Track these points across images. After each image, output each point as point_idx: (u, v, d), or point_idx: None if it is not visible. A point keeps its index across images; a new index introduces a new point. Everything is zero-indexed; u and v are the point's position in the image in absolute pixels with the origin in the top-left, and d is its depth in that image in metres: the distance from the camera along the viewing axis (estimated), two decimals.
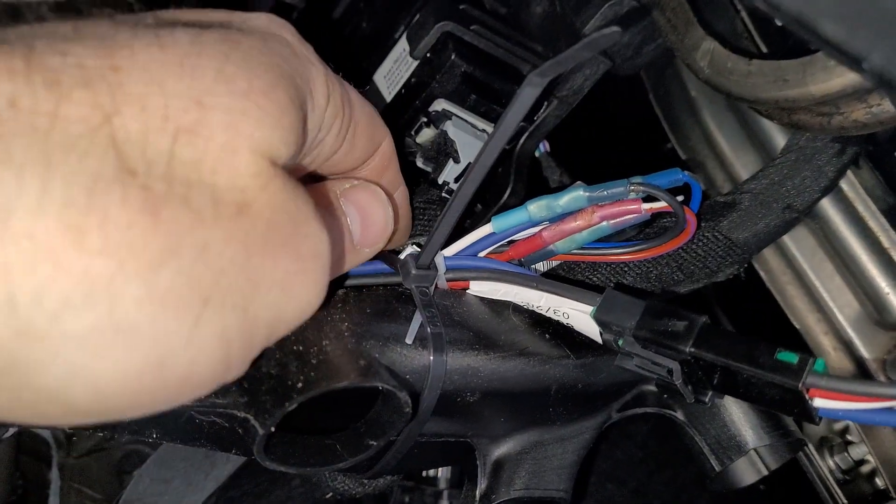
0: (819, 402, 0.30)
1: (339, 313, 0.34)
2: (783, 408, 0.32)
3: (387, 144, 0.36)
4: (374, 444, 0.34)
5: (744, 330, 0.48)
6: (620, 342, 0.36)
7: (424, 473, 0.64)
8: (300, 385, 0.31)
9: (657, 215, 0.41)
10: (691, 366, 0.33)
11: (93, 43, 0.23)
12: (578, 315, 0.38)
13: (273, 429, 0.31)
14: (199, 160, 0.24)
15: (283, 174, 0.26)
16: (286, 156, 0.27)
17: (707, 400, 0.35)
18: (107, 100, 0.22)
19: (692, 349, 0.33)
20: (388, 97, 0.47)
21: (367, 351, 0.33)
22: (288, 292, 0.27)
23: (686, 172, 0.39)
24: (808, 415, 0.31)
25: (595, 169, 0.44)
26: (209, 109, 0.24)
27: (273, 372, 0.32)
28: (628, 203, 0.39)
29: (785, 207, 0.41)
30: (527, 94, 0.30)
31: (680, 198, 0.38)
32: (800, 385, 0.29)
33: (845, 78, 0.35)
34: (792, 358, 0.30)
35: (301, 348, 0.32)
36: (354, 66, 0.52)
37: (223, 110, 0.24)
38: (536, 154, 0.51)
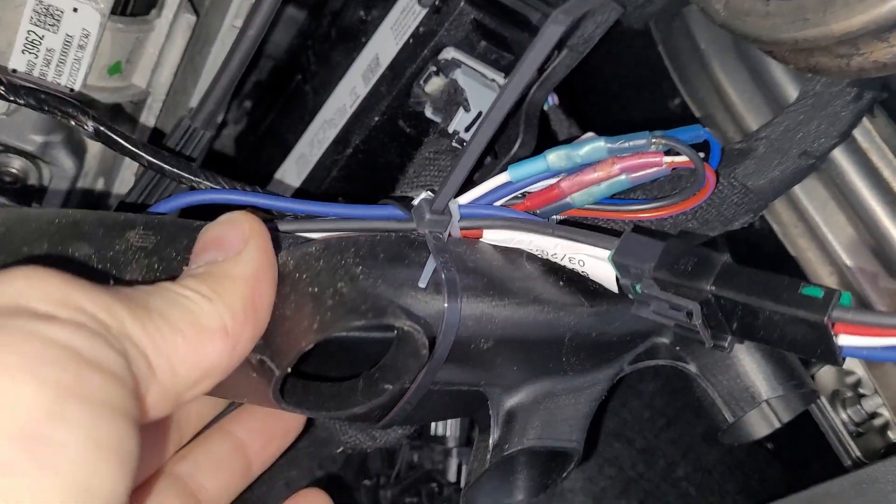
0: (844, 340, 0.30)
1: (353, 257, 0.34)
2: (806, 349, 0.31)
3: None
4: (390, 387, 0.33)
5: None
6: (638, 286, 0.35)
7: (433, 432, 0.63)
8: (316, 326, 0.30)
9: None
10: (711, 307, 0.33)
11: None
12: (595, 262, 0.38)
13: (289, 370, 0.31)
14: None
15: None
16: None
17: (726, 345, 0.35)
18: None
19: (713, 287, 0.32)
20: (396, 48, 0.47)
21: (382, 293, 0.33)
22: None
23: (706, 129, 0.39)
24: (832, 354, 0.30)
25: (605, 123, 0.44)
26: None
27: (289, 314, 0.31)
28: (650, 155, 0.38)
29: (801, 154, 0.40)
30: (551, 33, 0.29)
31: (700, 154, 0.38)
32: (825, 318, 0.29)
33: (867, 15, 0.34)
34: (817, 292, 0.29)
35: (316, 290, 0.32)
36: (360, 19, 0.51)
37: None
38: (545, 107, 0.51)
